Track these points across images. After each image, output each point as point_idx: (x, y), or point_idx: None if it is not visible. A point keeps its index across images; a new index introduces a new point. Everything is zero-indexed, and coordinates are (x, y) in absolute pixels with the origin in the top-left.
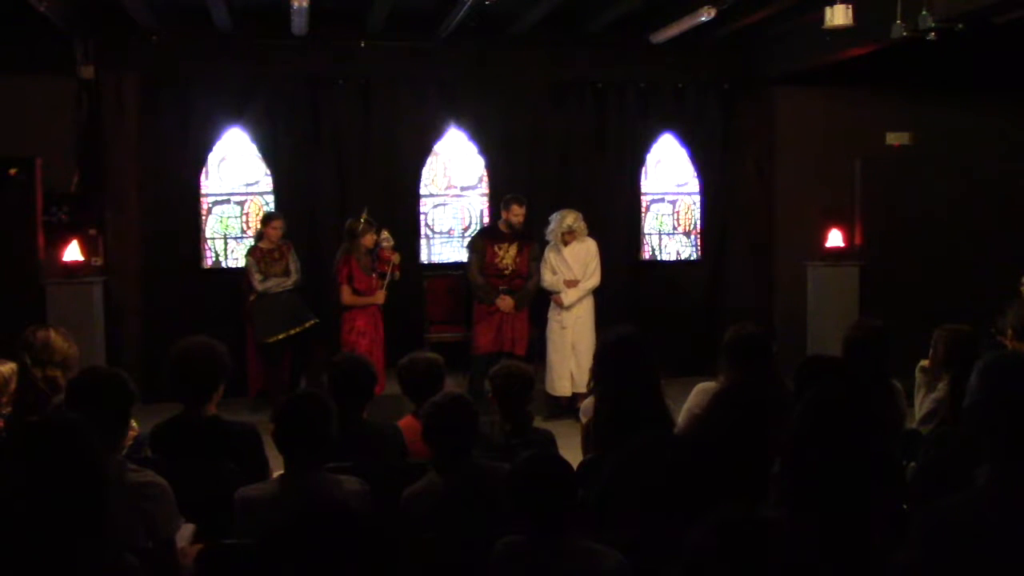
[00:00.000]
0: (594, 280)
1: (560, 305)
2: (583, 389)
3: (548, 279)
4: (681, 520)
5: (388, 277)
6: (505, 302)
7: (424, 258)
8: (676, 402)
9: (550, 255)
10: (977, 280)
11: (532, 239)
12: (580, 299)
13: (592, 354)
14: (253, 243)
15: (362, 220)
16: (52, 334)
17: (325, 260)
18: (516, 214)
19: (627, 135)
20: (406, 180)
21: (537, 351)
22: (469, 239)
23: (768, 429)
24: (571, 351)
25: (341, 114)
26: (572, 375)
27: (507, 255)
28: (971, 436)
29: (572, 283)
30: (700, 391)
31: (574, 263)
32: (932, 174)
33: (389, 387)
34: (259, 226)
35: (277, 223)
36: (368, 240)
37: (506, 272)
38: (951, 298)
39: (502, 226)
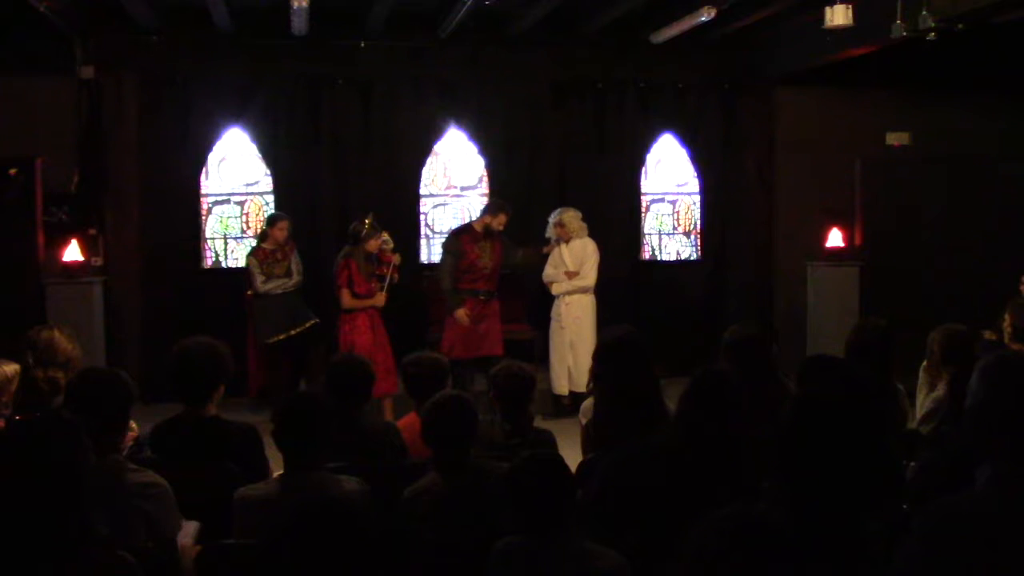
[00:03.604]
0: (585, 281)
1: (552, 292)
2: (581, 388)
3: (548, 272)
4: (677, 520)
5: (388, 280)
6: (463, 313)
7: (424, 258)
8: (676, 402)
9: (554, 251)
10: (977, 280)
11: (500, 236)
12: (568, 292)
13: (591, 354)
14: (256, 244)
15: (367, 224)
16: (56, 334)
17: (325, 260)
18: (502, 223)
19: (627, 135)
20: (406, 180)
21: (540, 351)
22: (445, 240)
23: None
24: (569, 350)
25: (341, 114)
26: (570, 374)
27: (485, 254)
28: (971, 436)
29: (572, 274)
30: None
31: (570, 260)
32: (932, 174)
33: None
34: (263, 226)
35: (283, 224)
36: (372, 245)
37: (486, 271)
38: (951, 298)
39: (477, 226)
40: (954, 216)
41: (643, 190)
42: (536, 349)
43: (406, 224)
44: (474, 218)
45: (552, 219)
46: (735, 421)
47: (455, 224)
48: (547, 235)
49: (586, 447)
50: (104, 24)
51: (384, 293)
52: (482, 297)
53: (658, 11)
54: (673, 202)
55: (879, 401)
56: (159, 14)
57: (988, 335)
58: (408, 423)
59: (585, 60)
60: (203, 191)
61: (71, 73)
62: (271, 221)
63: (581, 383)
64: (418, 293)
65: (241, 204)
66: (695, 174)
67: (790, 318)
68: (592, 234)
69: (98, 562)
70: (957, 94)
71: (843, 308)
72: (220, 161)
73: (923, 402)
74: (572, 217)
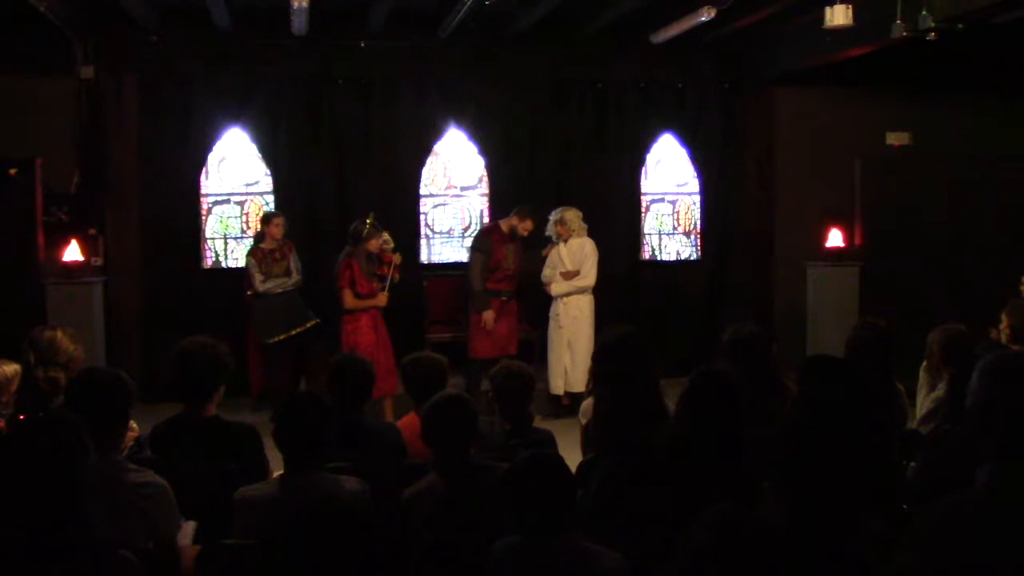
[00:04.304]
0: (585, 281)
1: (548, 293)
2: (576, 388)
3: (546, 273)
4: (678, 520)
5: (388, 279)
6: (490, 316)
7: (424, 258)
8: (676, 402)
9: (552, 250)
10: (977, 280)
11: (521, 240)
12: (567, 293)
13: (589, 354)
14: (253, 244)
15: (368, 224)
16: (59, 334)
17: (325, 260)
18: (528, 228)
19: (627, 135)
20: (406, 180)
21: (539, 350)
22: (474, 238)
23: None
24: (567, 349)
25: (341, 114)
26: (566, 374)
27: (510, 255)
28: (971, 436)
29: (568, 275)
30: None
31: (569, 260)
32: (932, 174)
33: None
34: (260, 226)
35: (279, 220)
36: (373, 245)
37: (509, 272)
38: (951, 298)
39: (504, 226)
40: (954, 216)
41: (643, 190)
42: (536, 349)
43: (406, 224)
44: (501, 219)
45: (553, 217)
46: (735, 421)
47: (455, 224)
48: (547, 234)
49: (586, 447)
50: (104, 24)
51: (386, 293)
52: (504, 298)
53: (658, 11)
54: (673, 202)
55: (879, 401)
56: (159, 14)
57: (994, 334)
58: (408, 423)
59: (585, 60)
60: (203, 191)
61: (71, 73)
62: (266, 219)
63: (578, 383)
64: (419, 293)
65: (241, 204)
66: (695, 174)
67: (790, 318)
68: (592, 234)
69: (99, 561)
70: (957, 94)
71: (843, 308)
72: (220, 161)
73: (923, 402)
74: (574, 216)
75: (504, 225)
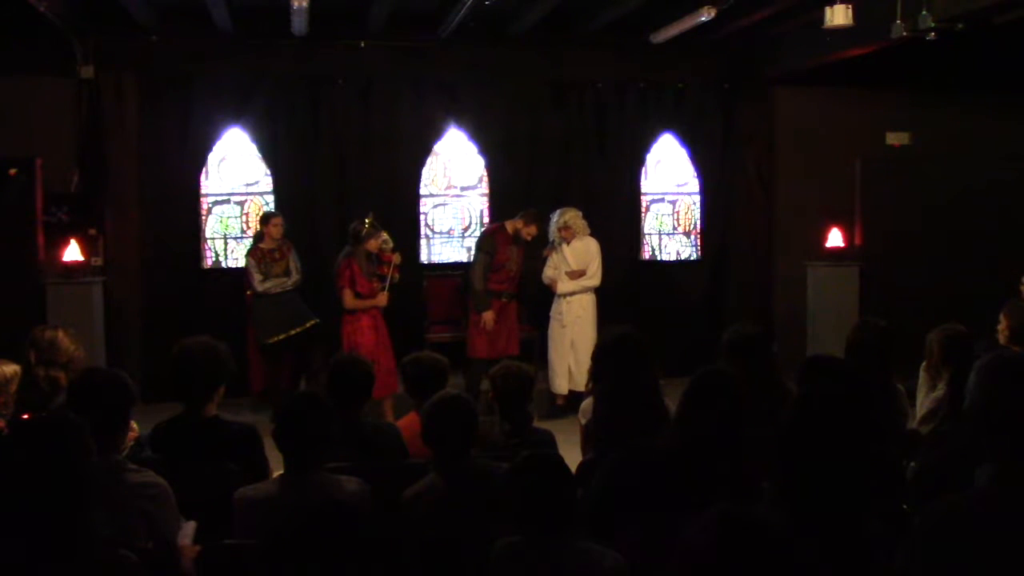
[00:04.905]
0: (593, 281)
1: (555, 292)
2: (581, 388)
3: (548, 273)
4: (678, 520)
5: (388, 279)
6: (490, 317)
7: (424, 258)
8: (676, 402)
9: (553, 253)
10: (977, 280)
11: (524, 244)
12: (574, 292)
13: (592, 354)
14: (252, 244)
15: (367, 224)
16: (60, 334)
17: (325, 260)
18: (532, 233)
19: (627, 135)
20: (406, 180)
21: (539, 350)
22: (479, 238)
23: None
24: (570, 349)
25: (341, 114)
26: (571, 373)
27: (513, 257)
28: (971, 436)
29: (573, 275)
30: None
31: (574, 260)
32: (932, 174)
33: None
34: (258, 226)
35: (277, 220)
36: (372, 245)
37: (511, 273)
38: (951, 298)
39: (509, 228)
40: (954, 216)
41: (643, 190)
42: (536, 349)
43: (406, 224)
44: (506, 220)
45: (555, 222)
46: (735, 421)
47: (455, 224)
48: (551, 239)
49: (586, 447)
50: (104, 24)
51: (386, 293)
52: (504, 299)
53: (658, 11)
54: (673, 202)
55: (879, 401)
56: (159, 14)
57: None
58: (408, 423)
59: (585, 60)
60: (203, 191)
61: (71, 73)
62: (265, 219)
63: (582, 382)
64: (419, 293)
65: (241, 204)
66: (695, 174)
67: (790, 318)
68: (592, 234)
69: (101, 561)
70: (957, 94)
71: (843, 308)
72: (220, 161)
73: (923, 402)
74: (574, 216)
75: (509, 227)
